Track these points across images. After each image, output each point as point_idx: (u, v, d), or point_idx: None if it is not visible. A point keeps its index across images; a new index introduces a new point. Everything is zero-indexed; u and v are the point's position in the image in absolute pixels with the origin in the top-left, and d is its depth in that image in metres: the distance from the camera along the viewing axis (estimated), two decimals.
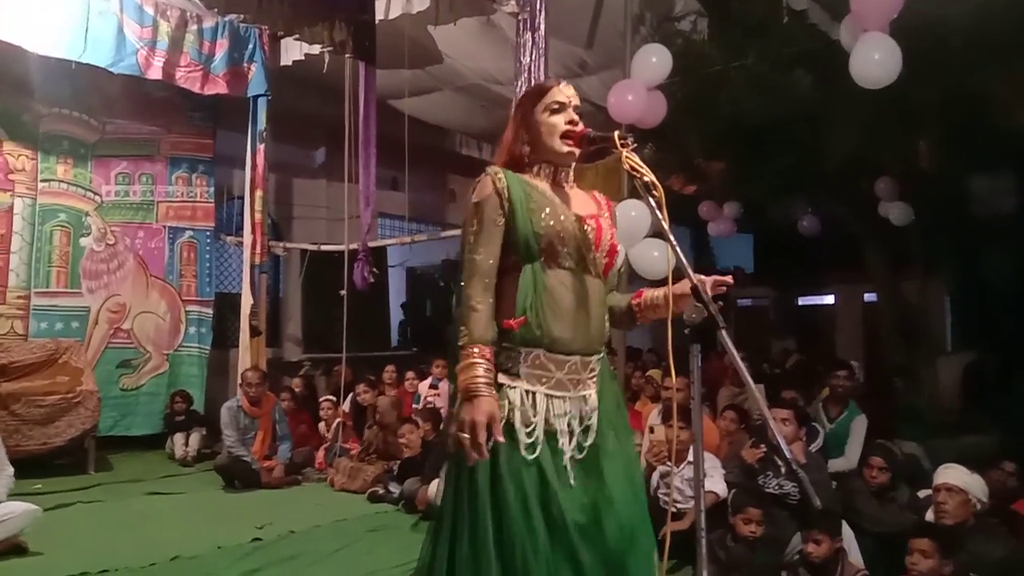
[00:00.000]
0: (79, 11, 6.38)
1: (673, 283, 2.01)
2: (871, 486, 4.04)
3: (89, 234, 7.80)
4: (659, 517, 2.79)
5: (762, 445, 4.33)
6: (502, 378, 1.95)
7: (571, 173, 2.17)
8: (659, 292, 2.13)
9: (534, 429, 1.94)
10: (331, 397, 7.43)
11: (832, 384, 5.41)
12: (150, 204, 8.19)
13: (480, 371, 1.85)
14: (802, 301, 14.39)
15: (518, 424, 1.92)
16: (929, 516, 3.59)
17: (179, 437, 7.40)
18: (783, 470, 4.09)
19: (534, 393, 1.97)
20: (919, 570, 3.04)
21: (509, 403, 1.93)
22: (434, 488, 4.97)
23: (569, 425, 1.99)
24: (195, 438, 7.40)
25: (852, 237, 8.71)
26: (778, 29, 6.17)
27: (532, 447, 1.93)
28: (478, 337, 1.89)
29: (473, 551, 1.88)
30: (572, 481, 1.95)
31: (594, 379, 2.07)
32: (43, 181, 7.55)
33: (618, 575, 1.95)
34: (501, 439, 1.84)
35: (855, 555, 3.49)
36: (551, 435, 1.96)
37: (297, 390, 7.54)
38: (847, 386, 5.40)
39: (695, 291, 1.81)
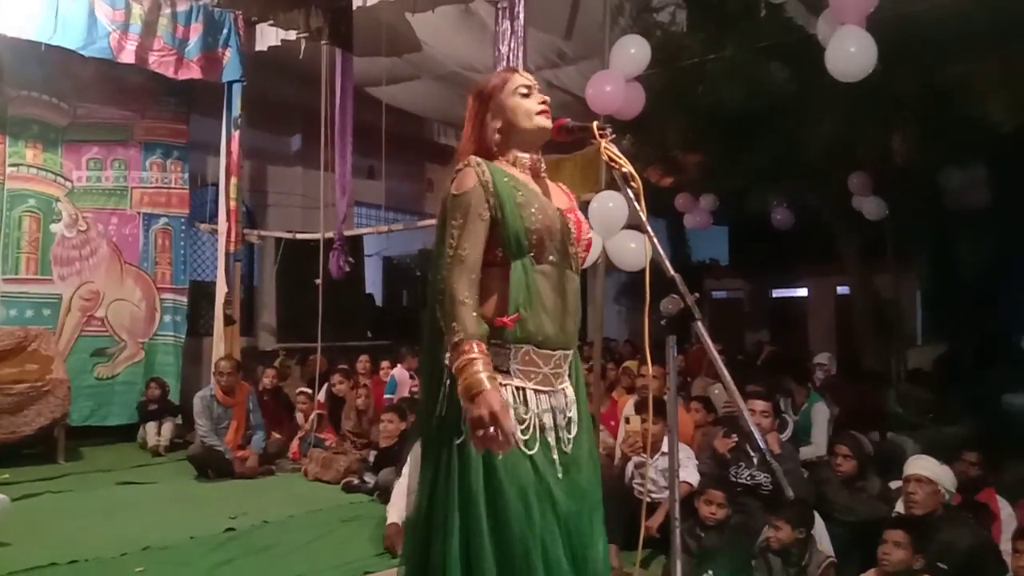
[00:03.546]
0: None
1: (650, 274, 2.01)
2: (837, 474, 4.10)
3: (60, 220, 7.67)
4: (633, 507, 2.82)
5: (734, 435, 4.38)
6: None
7: (543, 164, 2.15)
8: None
9: (529, 425, 1.94)
10: (307, 389, 7.39)
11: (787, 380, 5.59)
12: (123, 190, 8.07)
13: (479, 366, 1.82)
14: (776, 293, 14.52)
15: (513, 421, 1.91)
16: (899, 506, 3.65)
17: (151, 426, 7.32)
18: (755, 460, 4.13)
19: (524, 389, 1.97)
20: (890, 560, 3.08)
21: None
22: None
23: (555, 419, 2.01)
24: (167, 427, 7.33)
25: (826, 230, 8.80)
26: (756, 22, 6.20)
27: (529, 443, 1.93)
28: (472, 333, 1.85)
29: (465, 548, 1.87)
30: (561, 473, 1.97)
31: (568, 372, 2.08)
32: (11, 166, 7.40)
33: (587, 555, 1.98)
34: (515, 426, 1.84)
35: (825, 543, 3.54)
36: (541, 430, 1.97)
37: (268, 380, 7.44)
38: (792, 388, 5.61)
39: (672, 283, 1.81)
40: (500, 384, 1.92)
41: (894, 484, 3.94)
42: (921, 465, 3.51)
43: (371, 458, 5.98)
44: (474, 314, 1.89)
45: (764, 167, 7.54)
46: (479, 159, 2.02)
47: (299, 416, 7.18)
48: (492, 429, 1.76)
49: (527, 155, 2.10)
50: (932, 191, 7.76)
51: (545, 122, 2.08)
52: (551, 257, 2.02)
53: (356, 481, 5.82)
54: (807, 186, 8.46)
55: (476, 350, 1.83)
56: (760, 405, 4.22)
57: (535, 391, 1.98)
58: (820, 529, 3.62)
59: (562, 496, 1.94)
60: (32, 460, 6.42)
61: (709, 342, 1.84)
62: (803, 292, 13.91)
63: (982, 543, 3.29)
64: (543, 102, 2.08)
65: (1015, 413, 7.34)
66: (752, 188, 8.78)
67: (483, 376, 1.80)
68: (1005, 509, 3.87)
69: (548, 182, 2.16)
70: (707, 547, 3.70)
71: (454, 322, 1.86)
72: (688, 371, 7.85)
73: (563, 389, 2.04)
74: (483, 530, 1.86)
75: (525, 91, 2.08)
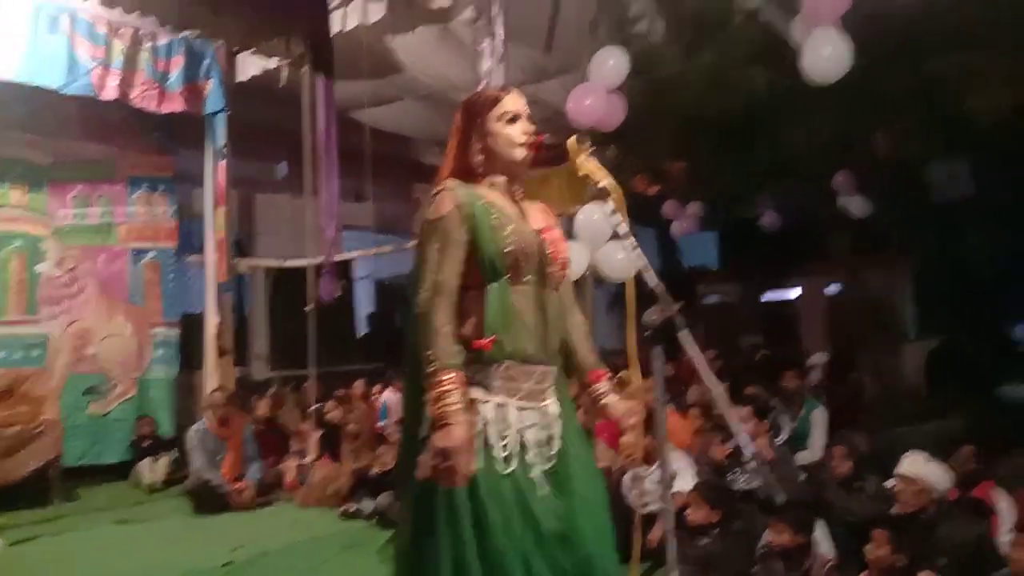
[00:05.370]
0: (28, 32, 6.26)
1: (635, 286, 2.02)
2: (835, 475, 4.10)
3: (46, 260, 7.64)
4: (631, 518, 2.80)
5: (730, 442, 4.37)
6: (475, 392, 1.95)
7: (521, 186, 2.16)
8: (609, 398, 2.17)
9: (509, 442, 1.94)
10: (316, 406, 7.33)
11: (783, 385, 5.54)
12: (109, 226, 8.04)
13: (454, 398, 1.84)
14: (767, 296, 14.53)
15: (493, 439, 1.93)
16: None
17: (146, 463, 7.26)
18: (750, 466, 4.13)
19: (506, 406, 1.97)
20: (870, 559, 3.10)
21: (483, 418, 1.93)
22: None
23: (537, 435, 2.00)
24: (163, 463, 7.26)
25: (814, 231, 8.85)
26: (732, 29, 6.24)
27: (508, 460, 1.93)
28: (448, 362, 1.88)
29: (456, 571, 1.86)
30: (546, 490, 1.97)
31: (552, 388, 2.08)
32: None
33: (589, 573, 1.97)
34: (473, 467, 1.84)
35: (825, 546, 3.53)
36: (523, 446, 1.97)
37: (263, 410, 7.42)
38: (794, 386, 5.53)
39: (657, 293, 1.83)
40: (482, 401, 1.94)
41: (890, 483, 3.94)
42: (906, 464, 3.52)
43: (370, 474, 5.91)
44: (451, 342, 1.91)
45: (749, 171, 7.59)
46: (455, 182, 2.04)
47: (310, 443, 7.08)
48: (445, 464, 1.80)
49: (504, 178, 2.11)
50: (917, 186, 7.81)
51: (522, 154, 2.07)
52: (527, 277, 2.03)
53: (354, 507, 5.78)
54: (792, 188, 8.50)
55: (450, 380, 1.86)
56: (740, 412, 4.23)
57: (518, 408, 1.98)
58: (820, 531, 3.61)
59: (546, 514, 1.93)
60: (26, 503, 6.33)
61: (695, 351, 1.84)
62: (794, 294, 13.92)
63: (978, 537, 3.29)
64: (527, 132, 2.07)
65: (1011, 404, 7.35)
66: (738, 192, 8.82)
67: (454, 408, 1.83)
68: (1004, 501, 3.86)
69: (526, 203, 2.16)
70: (708, 554, 3.69)
71: (430, 351, 1.88)
72: (683, 378, 7.83)
73: (547, 405, 2.04)
74: (470, 550, 1.86)
75: (511, 117, 2.08)
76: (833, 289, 11.81)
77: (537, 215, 2.17)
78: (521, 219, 2.08)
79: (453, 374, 1.87)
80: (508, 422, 1.96)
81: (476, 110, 2.10)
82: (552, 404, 2.06)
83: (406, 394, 2.22)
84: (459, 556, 1.87)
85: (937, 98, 6.11)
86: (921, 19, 5.62)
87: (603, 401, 2.19)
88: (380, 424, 7.22)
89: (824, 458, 4.55)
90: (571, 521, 1.97)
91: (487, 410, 1.94)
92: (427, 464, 1.83)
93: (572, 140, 2.02)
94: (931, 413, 6.44)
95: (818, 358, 7.89)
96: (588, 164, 1.98)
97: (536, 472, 1.97)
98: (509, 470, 1.92)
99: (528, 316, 2.01)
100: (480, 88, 5.34)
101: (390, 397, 7.47)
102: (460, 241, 1.97)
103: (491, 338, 1.95)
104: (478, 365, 1.96)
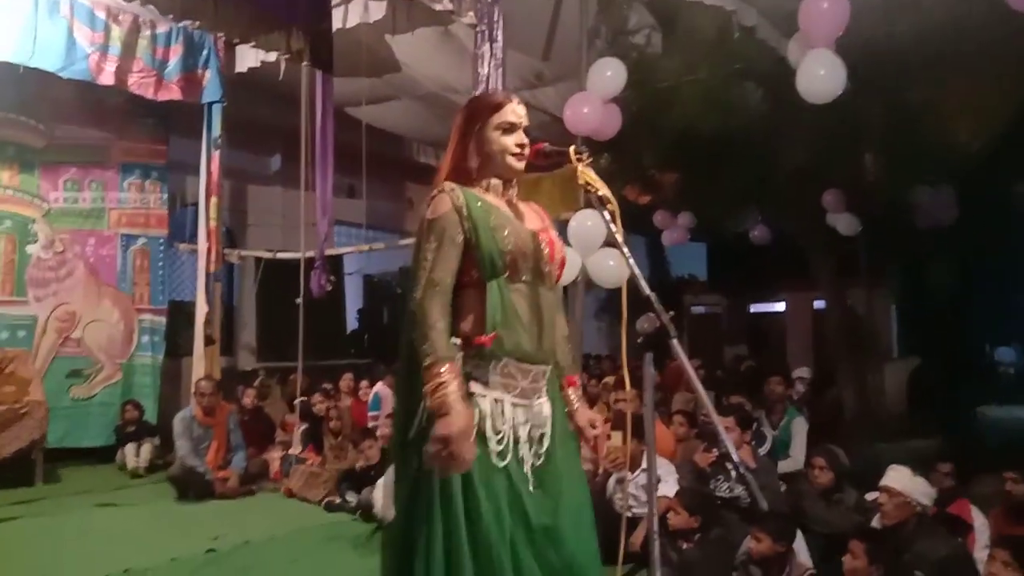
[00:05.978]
0: (28, 15, 6.26)
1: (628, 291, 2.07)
2: (814, 486, 4.17)
3: (36, 241, 7.63)
4: (615, 522, 2.85)
5: (714, 449, 4.44)
6: (473, 387, 2.00)
7: (516, 189, 2.22)
8: (575, 406, 2.26)
9: (504, 437, 2.00)
10: (302, 399, 7.35)
11: (766, 391, 5.62)
12: (101, 211, 8.04)
13: (452, 387, 1.89)
14: (754, 308, 14.67)
15: (489, 432, 1.98)
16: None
17: (130, 448, 7.25)
18: (733, 474, 4.19)
19: (502, 401, 2.02)
20: (846, 569, 3.17)
21: (480, 412, 1.98)
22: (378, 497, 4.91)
23: (530, 433, 2.06)
24: (147, 448, 7.26)
25: (801, 246, 8.92)
26: (729, 44, 6.32)
27: (503, 454, 1.99)
28: (444, 355, 1.92)
29: (447, 560, 1.91)
30: (534, 486, 2.02)
31: (546, 388, 2.13)
32: None
33: (577, 572, 2.02)
34: (474, 452, 1.89)
35: (804, 556, 3.59)
36: (515, 442, 2.02)
37: (248, 400, 7.45)
38: (779, 392, 5.62)
39: (648, 302, 1.87)
40: (479, 395, 1.99)
41: (870, 496, 4.01)
42: (891, 476, 3.58)
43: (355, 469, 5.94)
44: (446, 337, 1.96)
45: (740, 185, 7.65)
46: (453, 184, 2.09)
47: (297, 433, 7.10)
48: (447, 452, 1.84)
49: (500, 182, 2.17)
50: (904, 208, 7.90)
51: (516, 164, 2.13)
52: (525, 276, 2.09)
53: (338, 500, 5.81)
54: (782, 203, 8.58)
55: (448, 371, 1.91)
56: (725, 421, 4.30)
57: (512, 404, 2.04)
58: (799, 541, 3.68)
59: (535, 508, 1.99)
60: (8, 484, 6.31)
61: (686, 359, 1.90)
62: (780, 307, 14.06)
63: (956, 552, 3.36)
64: (520, 144, 2.13)
65: (988, 425, 7.47)
66: (728, 205, 8.89)
67: (454, 398, 1.88)
68: (979, 519, 3.95)
69: (520, 204, 2.23)
70: (688, 559, 3.75)
71: (426, 344, 1.94)
72: (668, 386, 7.91)
73: (540, 404, 2.10)
74: (464, 544, 1.91)
75: (508, 127, 2.13)
76: (818, 304, 11.93)
77: (532, 216, 2.23)
78: (518, 221, 2.14)
79: (450, 365, 1.92)
80: (504, 417, 2.01)
81: (476, 115, 2.16)
82: (545, 403, 2.12)
83: (399, 389, 2.27)
84: (451, 546, 1.91)
85: (923, 123, 6.22)
86: (909, 46, 5.72)
87: (569, 409, 2.26)
88: (372, 414, 7.24)
89: (804, 469, 4.63)
90: (557, 519, 2.02)
91: (484, 404, 2.00)
92: (429, 453, 1.88)
93: (572, 148, 2.07)
94: (911, 431, 6.53)
95: (802, 372, 7.98)
96: (588, 173, 2.03)
97: (527, 468, 2.03)
98: (503, 464, 1.98)
99: (526, 314, 2.07)
100: (482, 91, 5.40)
101: (382, 389, 7.48)
102: (457, 241, 2.02)
103: (492, 334, 2.01)
104: (477, 360, 2.02)
